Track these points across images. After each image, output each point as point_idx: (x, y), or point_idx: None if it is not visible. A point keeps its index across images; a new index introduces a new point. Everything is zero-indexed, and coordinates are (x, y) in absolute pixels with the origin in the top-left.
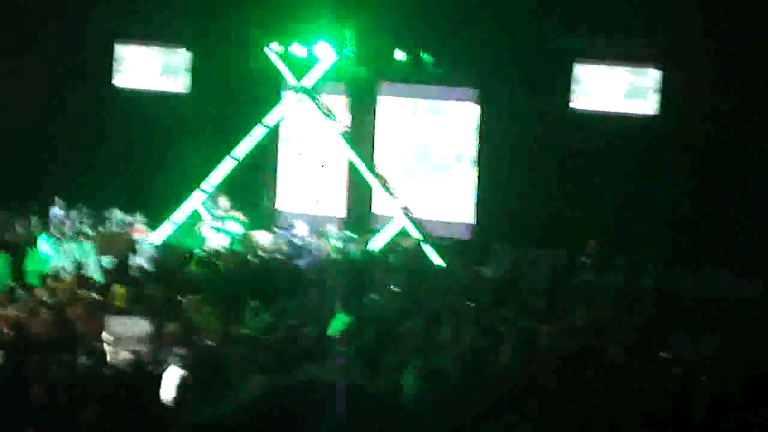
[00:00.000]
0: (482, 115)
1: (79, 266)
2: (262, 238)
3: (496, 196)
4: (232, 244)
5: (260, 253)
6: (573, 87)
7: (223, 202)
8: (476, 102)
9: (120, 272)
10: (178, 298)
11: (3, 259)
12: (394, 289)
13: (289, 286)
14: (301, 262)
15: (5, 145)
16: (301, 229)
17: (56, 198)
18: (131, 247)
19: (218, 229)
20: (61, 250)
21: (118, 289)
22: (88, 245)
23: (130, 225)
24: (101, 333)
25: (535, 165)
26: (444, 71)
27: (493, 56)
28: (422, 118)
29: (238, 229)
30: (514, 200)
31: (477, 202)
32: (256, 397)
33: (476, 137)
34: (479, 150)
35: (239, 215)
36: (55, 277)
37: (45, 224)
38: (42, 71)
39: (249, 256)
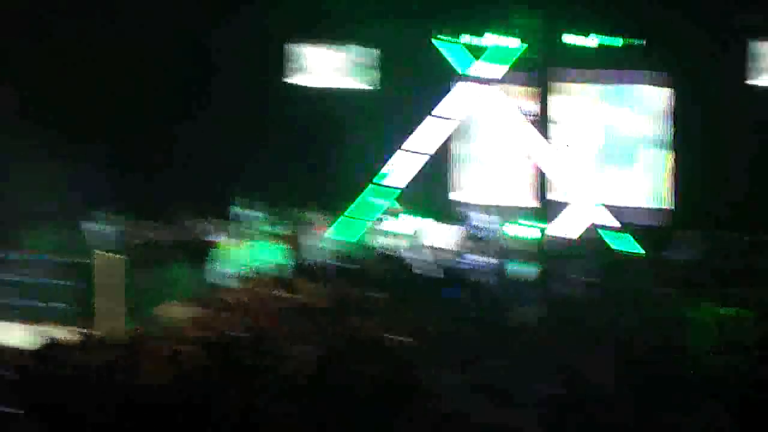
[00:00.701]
0: (676, 99)
1: (268, 266)
2: (441, 231)
3: (691, 181)
4: (410, 237)
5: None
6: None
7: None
8: (667, 85)
9: (307, 270)
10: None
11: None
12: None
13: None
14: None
15: (184, 150)
16: (480, 220)
17: (240, 199)
18: (315, 244)
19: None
20: (250, 251)
21: (301, 285)
22: (275, 245)
23: (311, 223)
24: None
25: (731, 147)
26: (631, 55)
27: (685, 38)
28: (607, 103)
29: (415, 222)
30: (710, 184)
31: (670, 188)
32: None
33: (669, 121)
34: (673, 134)
35: (414, 209)
36: (247, 277)
37: (227, 225)
38: (221, 73)
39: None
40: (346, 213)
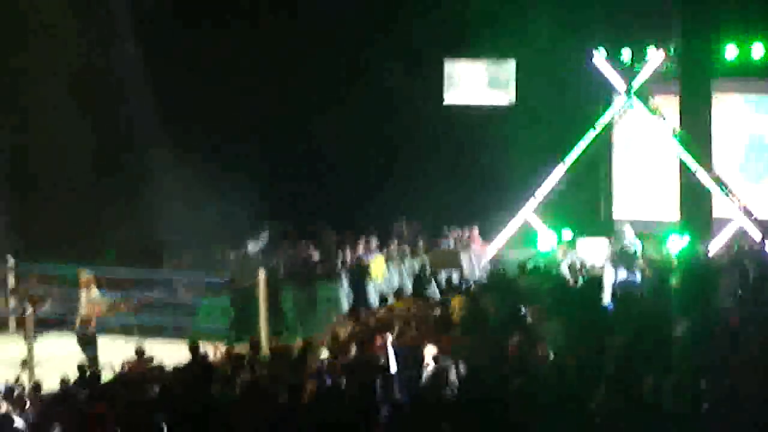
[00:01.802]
0: None
1: (418, 283)
2: (600, 248)
3: None
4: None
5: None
6: None
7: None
8: None
9: (456, 287)
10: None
11: None
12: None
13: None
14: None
15: (338, 168)
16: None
17: (400, 216)
18: (462, 263)
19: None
20: (403, 270)
21: (456, 302)
22: (424, 262)
23: (468, 241)
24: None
25: None
26: None
27: None
28: (759, 114)
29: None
30: None
31: None
32: None
33: None
34: None
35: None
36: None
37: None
38: (374, 94)
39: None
40: (504, 228)
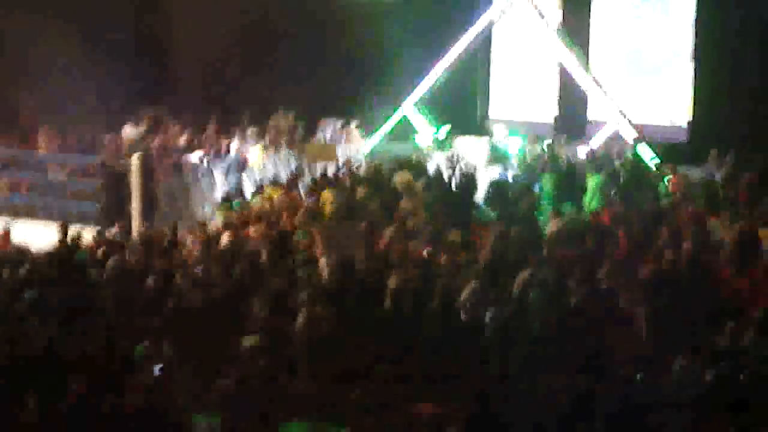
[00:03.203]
0: (698, 9)
1: (294, 175)
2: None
3: (715, 96)
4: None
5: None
6: None
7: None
8: None
9: (330, 180)
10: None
11: None
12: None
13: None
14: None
15: (220, 60)
16: (506, 135)
17: (279, 107)
18: (338, 155)
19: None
20: (277, 161)
21: (327, 195)
22: (300, 154)
23: (345, 134)
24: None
25: (755, 60)
26: None
27: None
28: (637, 13)
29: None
30: (734, 99)
31: (693, 102)
32: None
33: (693, 31)
34: (695, 45)
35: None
36: (273, 186)
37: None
38: None
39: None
40: (382, 125)
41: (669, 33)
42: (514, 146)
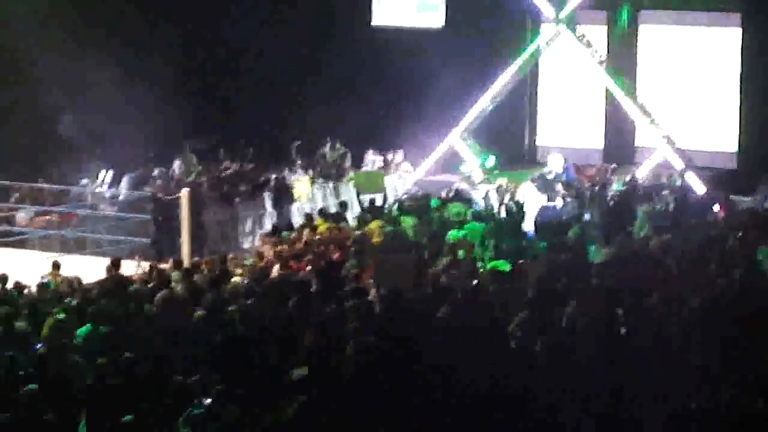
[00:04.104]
0: (745, 39)
1: (343, 205)
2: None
3: (762, 123)
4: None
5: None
6: None
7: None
8: (739, 26)
9: (377, 210)
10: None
11: None
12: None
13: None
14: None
15: (266, 92)
16: (556, 164)
17: (326, 138)
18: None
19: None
20: (326, 191)
21: (375, 226)
22: (348, 185)
23: (392, 164)
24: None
25: None
26: None
27: None
28: (684, 45)
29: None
30: None
31: (741, 130)
32: None
33: (740, 58)
34: (743, 75)
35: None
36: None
37: (311, 166)
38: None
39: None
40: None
41: (717, 60)
42: (565, 175)
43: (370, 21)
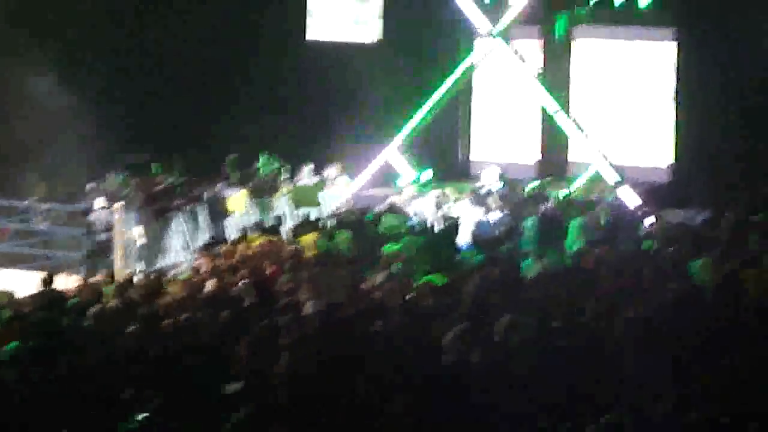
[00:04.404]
0: (680, 53)
1: (278, 220)
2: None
3: (696, 138)
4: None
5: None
6: None
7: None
8: (674, 40)
9: (312, 224)
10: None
11: None
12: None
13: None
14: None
15: (199, 103)
16: (490, 178)
17: (261, 152)
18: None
19: (414, 181)
20: (260, 206)
21: (308, 239)
22: (283, 199)
23: (327, 179)
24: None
25: (736, 103)
26: (639, 11)
27: None
28: (617, 59)
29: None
30: (716, 141)
31: (675, 144)
32: None
33: (674, 73)
34: (677, 89)
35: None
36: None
37: (246, 180)
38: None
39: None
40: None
41: (650, 75)
42: (498, 189)
43: (305, 35)
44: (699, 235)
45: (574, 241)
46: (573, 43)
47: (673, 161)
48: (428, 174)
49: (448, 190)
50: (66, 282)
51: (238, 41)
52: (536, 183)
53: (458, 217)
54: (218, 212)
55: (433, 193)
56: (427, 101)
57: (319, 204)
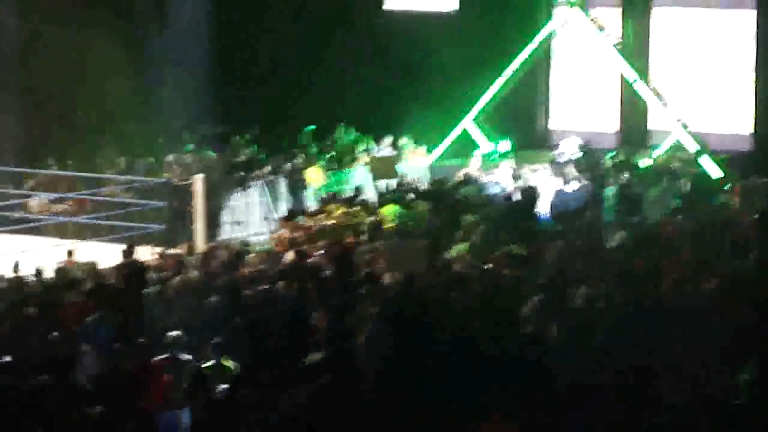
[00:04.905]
0: (759, 20)
1: (356, 191)
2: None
3: None
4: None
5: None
6: None
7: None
8: (753, 8)
9: (390, 195)
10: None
11: None
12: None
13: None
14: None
15: (276, 75)
16: (569, 148)
17: (339, 123)
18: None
19: (492, 152)
20: (339, 177)
21: (385, 210)
22: (363, 170)
23: (405, 149)
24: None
25: None
26: None
27: None
28: (698, 27)
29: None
30: None
31: (755, 113)
32: None
33: (754, 44)
34: (758, 57)
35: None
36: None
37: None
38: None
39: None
40: (442, 139)
41: (730, 43)
42: (575, 158)
43: (381, 4)
44: None
45: (654, 210)
46: (652, 11)
47: (755, 129)
48: (506, 144)
49: (526, 160)
50: (147, 253)
51: (314, 12)
52: (616, 152)
53: (537, 187)
54: (297, 183)
55: (512, 163)
56: (505, 71)
57: (397, 175)
